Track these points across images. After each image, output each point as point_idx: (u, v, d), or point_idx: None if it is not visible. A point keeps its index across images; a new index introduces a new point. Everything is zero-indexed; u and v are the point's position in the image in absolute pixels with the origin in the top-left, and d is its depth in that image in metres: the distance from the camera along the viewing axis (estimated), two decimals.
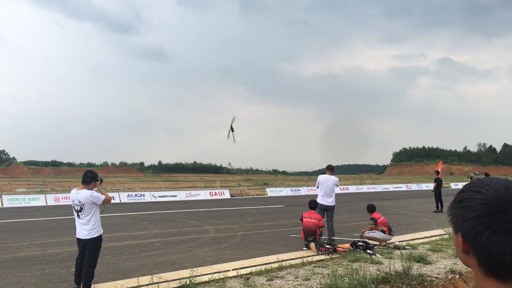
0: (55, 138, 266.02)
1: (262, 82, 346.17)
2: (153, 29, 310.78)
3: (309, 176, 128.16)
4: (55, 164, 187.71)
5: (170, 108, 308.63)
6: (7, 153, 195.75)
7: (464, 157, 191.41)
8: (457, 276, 7.04)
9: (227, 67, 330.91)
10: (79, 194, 5.75)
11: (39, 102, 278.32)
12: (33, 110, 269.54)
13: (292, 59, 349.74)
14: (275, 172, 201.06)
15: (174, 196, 30.28)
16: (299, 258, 8.49)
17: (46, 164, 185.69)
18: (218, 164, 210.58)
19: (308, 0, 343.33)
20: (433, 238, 11.07)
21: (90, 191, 5.76)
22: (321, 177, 10.64)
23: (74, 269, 6.11)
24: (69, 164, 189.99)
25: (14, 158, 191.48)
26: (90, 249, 5.85)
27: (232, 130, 24.18)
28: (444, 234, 11.40)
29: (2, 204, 23.98)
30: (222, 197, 32.12)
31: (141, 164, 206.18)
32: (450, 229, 1.06)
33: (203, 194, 31.84)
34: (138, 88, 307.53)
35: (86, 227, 5.81)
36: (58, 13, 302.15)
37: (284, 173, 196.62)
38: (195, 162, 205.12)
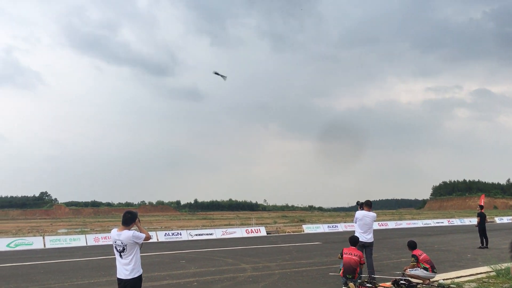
0: (94, 179, 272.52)
1: (295, 118, 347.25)
2: (188, 70, 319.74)
3: (346, 212, 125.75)
4: (94, 204, 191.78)
5: (206, 145, 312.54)
6: (49, 194, 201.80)
7: (508, 190, 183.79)
8: None
9: (260, 104, 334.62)
10: (121, 235, 5.85)
11: (78, 143, 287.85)
12: (73, 151, 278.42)
13: (324, 94, 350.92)
14: (311, 208, 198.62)
15: (211, 234, 30.27)
16: None
17: (86, 204, 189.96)
18: (254, 201, 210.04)
19: (339, 37, 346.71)
20: (479, 276, 10.59)
21: (131, 232, 5.85)
22: (359, 213, 10.47)
23: None
24: (108, 204, 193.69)
25: (56, 199, 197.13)
26: None
27: (218, 74, 25.95)
28: (490, 271, 10.89)
29: (44, 245, 24.59)
30: (258, 234, 31.87)
31: (178, 202, 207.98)
32: (511, 265, 1.03)
33: (239, 232, 31.69)
34: (174, 127, 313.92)
35: (127, 267, 5.88)
36: (98, 59, 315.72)
37: (320, 209, 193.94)
38: (230, 200, 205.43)
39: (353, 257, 9.34)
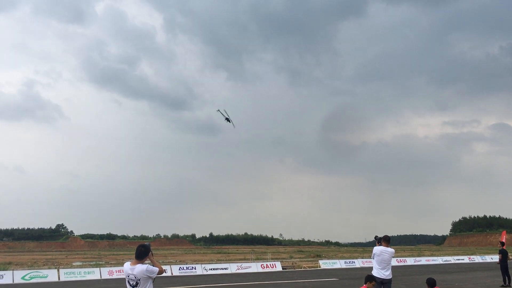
0: (110, 211, 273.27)
1: (311, 153, 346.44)
2: (205, 104, 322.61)
3: (364, 247, 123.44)
4: (110, 237, 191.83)
5: (221, 179, 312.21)
6: (65, 227, 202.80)
7: None
8: None
9: (276, 138, 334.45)
10: (134, 270, 5.80)
11: (95, 176, 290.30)
12: (90, 184, 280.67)
13: (340, 129, 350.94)
14: (327, 243, 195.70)
15: (225, 268, 29.89)
16: None
17: (101, 237, 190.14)
18: (269, 235, 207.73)
19: (355, 72, 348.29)
20: None
21: (145, 266, 5.81)
22: (376, 249, 10.24)
23: None
24: (123, 237, 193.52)
25: (72, 231, 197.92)
26: None
27: (228, 119, 25.74)
28: None
29: (59, 277, 24.52)
30: (274, 269, 31.37)
31: (193, 236, 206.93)
32: None
33: (255, 267, 31.24)
34: (190, 160, 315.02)
35: None
36: (117, 93, 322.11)
37: (337, 244, 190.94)
38: (246, 234, 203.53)
39: None
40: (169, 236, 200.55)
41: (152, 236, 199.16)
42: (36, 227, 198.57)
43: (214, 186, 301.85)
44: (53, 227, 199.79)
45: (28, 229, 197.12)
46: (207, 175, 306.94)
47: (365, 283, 9.54)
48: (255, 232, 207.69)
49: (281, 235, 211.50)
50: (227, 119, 26.54)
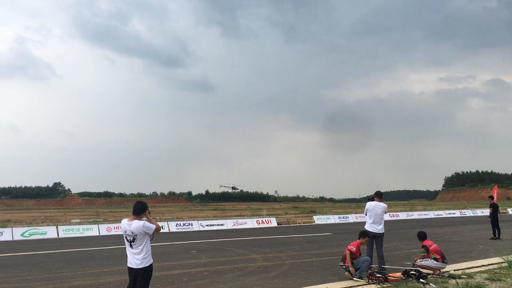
0: (107, 169, 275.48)
1: (306, 109, 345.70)
2: (199, 61, 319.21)
3: (357, 203, 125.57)
4: (107, 195, 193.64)
5: (217, 137, 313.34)
6: (62, 185, 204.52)
7: None
8: None
9: (271, 96, 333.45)
10: (131, 225, 5.89)
11: (91, 134, 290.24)
12: (86, 142, 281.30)
13: (335, 85, 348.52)
14: (322, 199, 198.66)
15: (222, 225, 30.44)
16: (349, 287, 8.29)
17: (99, 195, 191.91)
18: (265, 192, 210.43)
19: (351, 27, 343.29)
20: (491, 267, 10.52)
21: (142, 222, 5.90)
22: (369, 204, 10.42)
23: None
24: (121, 195, 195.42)
25: (69, 190, 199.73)
26: (141, 279, 5.95)
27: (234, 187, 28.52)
28: (502, 262, 10.81)
29: (58, 234, 24.94)
30: (269, 225, 31.97)
31: (189, 193, 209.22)
32: None
33: (250, 223, 31.82)
34: (185, 119, 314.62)
35: (138, 257, 5.94)
36: (109, 50, 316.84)
37: (331, 200, 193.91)
38: (241, 191, 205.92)
39: (348, 247, 9.55)
40: (166, 194, 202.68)
41: (149, 193, 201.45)
42: (34, 186, 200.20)
43: (210, 144, 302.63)
44: (50, 185, 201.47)
45: (26, 187, 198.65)
46: (203, 133, 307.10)
47: (359, 239, 9.79)
48: (251, 189, 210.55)
49: (276, 192, 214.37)
50: (233, 188, 30.17)
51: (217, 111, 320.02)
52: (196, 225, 29.36)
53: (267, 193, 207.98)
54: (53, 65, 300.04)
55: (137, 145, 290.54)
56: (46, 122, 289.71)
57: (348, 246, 9.62)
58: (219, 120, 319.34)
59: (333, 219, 35.99)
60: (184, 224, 29.25)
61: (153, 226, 5.94)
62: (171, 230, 27.60)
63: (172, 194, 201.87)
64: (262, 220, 32.93)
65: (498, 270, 9.91)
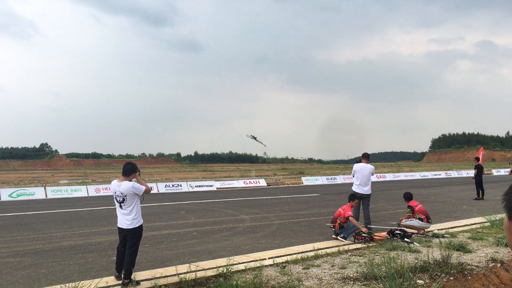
0: (95, 131, 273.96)
1: (296, 71, 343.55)
2: (187, 21, 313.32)
3: (345, 165, 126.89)
4: (95, 156, 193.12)
5: (205, 98, 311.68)
6: (50, 146, 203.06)
7: (507, 142, 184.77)
8: (499, 265, 6.88)
9: (260, 56, 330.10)
10: (121, 186, 5.92)
11: (78, 95, 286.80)
12: (73, 103, 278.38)
13: (325, 46, 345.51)
14: (310, 161, 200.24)
15: (211, 186, 30.69)
16: (335, 246, 8.49)
17: (87, 156, 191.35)
18: (254, 154, 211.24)
19: None
20: (474, 226, 10.82)
21: (131, 183, 5.93)
22: (356, 166, 10.55)
23: (115, 257, 6.33)
24: (109, 156, 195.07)
25: (56, 150, 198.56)
26: (131, 239, 6.03)
27: (256, 139, 28.84)
28: (485, 222, 11.12)
29: (46, 195, 24.97)
30: (258, 185, 32.32)
31: (178, 154, 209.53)
32: (504, 216, 1.04)
33: (239, 184, 32.12)
34: (174, 79, 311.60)
35: (128, 217, 6.00)
36: (95, 8, 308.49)
37: (319, 161, 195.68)
38: (230, 152, 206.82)
39: (338, 209, 9.62)
40: (155, 155, 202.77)
41: (137, 155, 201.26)
42: (20, 146, 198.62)
43: (199, 105, 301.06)
44: (37, 146, 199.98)
45: (12, 148, 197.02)
46: (191, 94, 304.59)
47: (349, 202, 9.90)
48: (240, 151, 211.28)
49: (265, 153, 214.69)
50: (254, 138, 30.50)
51: (206, 72, 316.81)
52: (185, 186, 29.57)
53: (256, 154, 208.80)
54: (37, 23, 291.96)
55: (125, 106, 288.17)
56: (31, 81, 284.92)
57: (344, 212, 9.45)
58: (208, 81, 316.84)
59: (321, 180, 36.44)
60: (173, 185, 29.43)
61: (143, 187, 5.98)
62: (160, 191, 27.78)
63: (161, 156, 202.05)
64: (251, 181, 33.25)
65: (481, 230, 10.20)
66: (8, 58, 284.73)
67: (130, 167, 6.00)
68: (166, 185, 29.34)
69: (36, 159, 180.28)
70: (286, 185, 33.75)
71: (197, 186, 30.07)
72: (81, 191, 26.03)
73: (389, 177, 41.08)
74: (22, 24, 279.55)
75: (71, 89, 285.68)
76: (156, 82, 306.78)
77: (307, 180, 35.80)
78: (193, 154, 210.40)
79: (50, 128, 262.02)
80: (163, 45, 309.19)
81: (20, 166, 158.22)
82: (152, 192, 25.90)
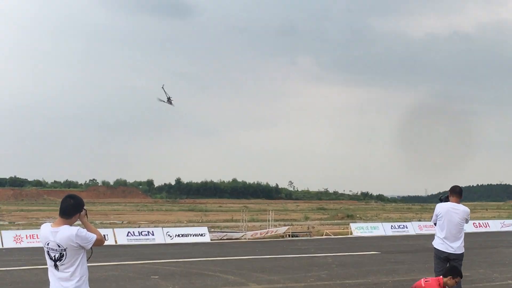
0: (14, 143, 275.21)
1: (342, 50, 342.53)
2: None
3: (422, 204, 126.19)
4: (15, 182, 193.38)
5: (195, 93, 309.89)
6: None
7: None
8: None
9: (285, 27, 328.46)
10: (58, 233, 5.94)
11: None
12: None
13: (390, 11, 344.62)
14: (365, 196, 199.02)
15: (201, 234, 30.65)
16: None
17: (1, 183, 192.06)
18: (272, 184, 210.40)
19: None
20: None
21: (75, 229, 5.95)
22: (441, 207, 10.47)
23: None
24: (38, 183, 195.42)
25: None
26: None
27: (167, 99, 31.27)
28: None
29: None
30: (278, 238, 32.25)
31: (149, 183, 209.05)
32: None
33: (247, 233, 32.06)
34: (145, 61, 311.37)
35: (67, 284, 6.00)
36: None
37: (380, 198, 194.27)
38: (234, 180, 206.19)
39: (417, 283, 9.21)
40: (111, 183, 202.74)
41: (83, 182, 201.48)
42: None
43: (184, 104, 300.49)
44: None
45: None
46: (173, 85, 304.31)
47: (444, 276, 9.46)
48: (250, 179, 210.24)
49: (291, 183, 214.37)
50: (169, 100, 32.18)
51: (197, 52, 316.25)
52: (160, 235, 29.59)
53: (276, 184, 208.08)
54: None
55: (63, 103, 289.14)
56: None
57: (423, 284, 9.15)
58: (199, 65, 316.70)
59: (382, 229, 36.22)
60: (140, 233, 29.48)
61: (93, 236, 6.00)
62: (119, 243, 27.82)
63: (121, 184, 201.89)
64: (267, 230, 33.24)
65: None
66: None
67: (73, 203, 6.03)
68: (129, 232, 29.37)
69: None
70: (324, 236, 33.63)
71: (179, 236, 30.06)
72: None
73: (495, 226, 40.66)
74: None
75: None
76: (115, 65, 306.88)
77: (359, 229, 35.60)
78: (173, 183, 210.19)
79: None
80: (130, 6, 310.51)
81: None
82: (107, 243, 25.99)
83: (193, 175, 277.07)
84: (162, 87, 35.54)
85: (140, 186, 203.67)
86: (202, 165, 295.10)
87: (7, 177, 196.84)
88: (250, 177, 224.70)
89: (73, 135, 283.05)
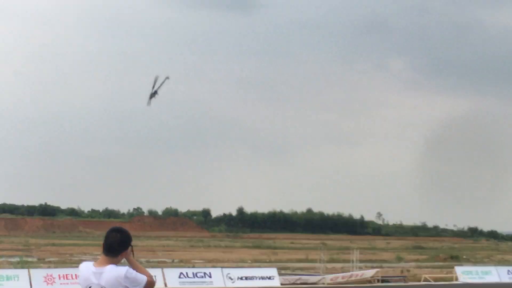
0: (46, 167, 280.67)
1: (446, 50, 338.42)
2: None
3: None
4: (45, 211, 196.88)
5: (260, 105, 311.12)
6: None
7: None
8: None
9: (371, 23, 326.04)
10: (103, 275, 5.97)
11: (6, 98, 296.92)
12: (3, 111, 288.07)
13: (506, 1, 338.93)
14: (473, 233, 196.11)
15: (269, 277, 30.70)
16: None
17: (30, 211, 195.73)
18: (356, 216, 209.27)
19: None
20: None
21: (123, 269, 5.95)
22: None
23: None
24: (72, 212, 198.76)
25: None
26: None
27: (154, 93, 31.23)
28: None
29: None
30: (365, 284, 32.06)
31: (205, 213, 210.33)
32: None
33: (326, 276, 31.95)
34: (202, 66, 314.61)
35: None
36: None
37: (492, 235, 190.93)
38: (309, 211, 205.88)
39: None
40: (159, 213, 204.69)
41: (125, 211, 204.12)
42: None
43: (248, 119, 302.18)
44: None
45: None
46: (234, 94, 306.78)
47: None
48: (328, 209, 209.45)
49: (379, 215, 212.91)
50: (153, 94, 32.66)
51: (262, 50, 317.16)
52: (219, 277, 29.71)
53: (361, 216, 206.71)
54: None
55: (104, 118, 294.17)
56: None
57: None
58: (266, 69, 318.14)
59: (497, 274, 35.62)
60: (195, 275, 29.67)
61: (143, 278, 6.04)
62: (170, 286, 28.07)
63: (171, 214, 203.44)
64: (350, 272, 33.08)
65: None
66: None
67: (120, 239, 6.03)
68: (181, 273, 29.59)
69: None
70: (423, 282, 33.30)
71: (242, 278, 30.15)
72: (17, 280, 26.62)
73: None
74: None
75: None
76: (165, 71, 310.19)
77: (466, 274, 35.12)
78: (234, 213, 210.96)
79: None
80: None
81: None
82: (156, 286, 26.26)
83: (259, 204, 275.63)
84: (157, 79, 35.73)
85: (195, 217, 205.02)
86: (270, 192, 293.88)
87: (37, 205, 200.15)
88: (328, 207, 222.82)
89: (113, 155, 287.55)
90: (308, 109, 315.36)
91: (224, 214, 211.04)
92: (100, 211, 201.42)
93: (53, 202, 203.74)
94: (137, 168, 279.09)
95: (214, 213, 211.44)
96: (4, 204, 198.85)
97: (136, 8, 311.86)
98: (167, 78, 31.38)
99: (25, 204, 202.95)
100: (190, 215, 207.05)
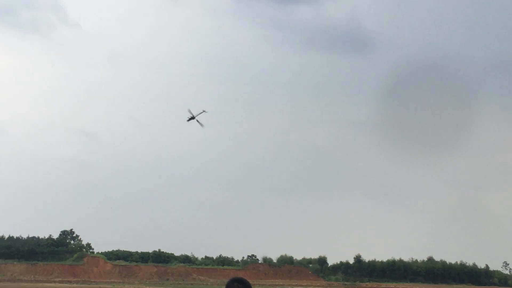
0: (160, 214, 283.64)
1: None
2: None
3: None
4: (159, 258, 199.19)
5: (377, 147, 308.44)
6: (77, 236, 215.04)
7: None
8: None
9: (498, 58, 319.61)
10: None
11: (118, 142, 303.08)
12: (116, 152, 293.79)
13: None
14: None
15: None
16: None
17: (144, 258, 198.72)
18: (481, 265, 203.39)
19: None
20: None
21: None
22: None
23: None
24: (186, 259, 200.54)
25: (89, 245, 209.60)
26: None
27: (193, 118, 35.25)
28: None
29: None
30: None
31: (322, 261, 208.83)
32: None
33: None
34: (309, 109, 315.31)
35: None
36: None
37: None
38: (430, 260, 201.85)
39: None
40: (274, 260, 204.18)
41: (240, 258, 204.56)
42: (24, 236, 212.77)
43: (364, 161, 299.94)
44: (55, 235, 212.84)
45: (14, 238, 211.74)
46: (352, 137, 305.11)
47: None
48: (451, 257, 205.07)
49: (506, 264, 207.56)
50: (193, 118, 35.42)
51: (378, 93, 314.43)
52: None
53: (486, 266, 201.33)
54: (64, 7, 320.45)
55: (214, 164, 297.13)
56: (51, 115, 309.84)
57: None
58: (382, 112, 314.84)
59: None
60: None
61: None
62: None
63: (286, 262, 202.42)
64: None
65: None
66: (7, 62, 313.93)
67: None
68: None
69: (53, 260, 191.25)
70: None
71: None
72: None
73: None
74: (38, 7, 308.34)
75: (105, 131, 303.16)
76: (273, 112, 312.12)
77: None
78: (352, 261, 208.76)
79: (77, 204, 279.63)
80: (294, 39, 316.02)
81: (23, 271, 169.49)
82: None
83: (377, 252, 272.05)
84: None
85: (310, 265, 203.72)
86: (389, 238, 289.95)
87: (150, 251, 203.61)
88: (451, 256, 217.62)
89: (226, 200, 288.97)
90: (429, 151, 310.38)
91: (341, 262, 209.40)
92: (214, 258, 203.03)
93: (166, 248, 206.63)
94: (251, 214, 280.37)
95: (331, 261, 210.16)
96: (118, 251, 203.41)
97: (258, 55, 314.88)
98: (204, 111, 38.18)
99: (139, 250, 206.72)
100: (305, 262, 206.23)
